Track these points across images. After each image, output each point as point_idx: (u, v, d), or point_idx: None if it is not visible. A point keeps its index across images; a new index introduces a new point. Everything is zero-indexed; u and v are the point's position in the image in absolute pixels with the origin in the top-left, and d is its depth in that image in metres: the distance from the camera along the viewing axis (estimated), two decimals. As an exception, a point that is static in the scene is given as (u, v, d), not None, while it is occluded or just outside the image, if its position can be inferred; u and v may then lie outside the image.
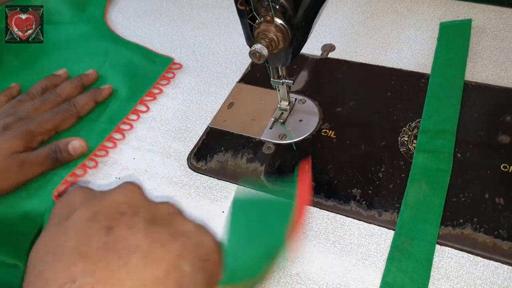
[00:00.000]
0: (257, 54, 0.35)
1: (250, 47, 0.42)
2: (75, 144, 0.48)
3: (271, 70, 0.46)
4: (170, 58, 0.60)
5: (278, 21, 0.36)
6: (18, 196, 0.47)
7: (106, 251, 0.26)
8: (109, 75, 0.60)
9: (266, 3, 0.36)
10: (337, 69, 0.55)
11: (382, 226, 0.41)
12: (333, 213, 0.43)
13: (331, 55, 0.57)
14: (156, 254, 0.26)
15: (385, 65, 0.54)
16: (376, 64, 0.55)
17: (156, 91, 0.57)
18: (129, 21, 0.68)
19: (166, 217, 0.30)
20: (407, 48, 0.56)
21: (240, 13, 0.38)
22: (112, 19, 0.68)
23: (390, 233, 0.40)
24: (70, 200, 0.30)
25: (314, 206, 0.43)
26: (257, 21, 0.36)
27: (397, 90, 0.51)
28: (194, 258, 0.28)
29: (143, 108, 0.55)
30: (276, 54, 0.38)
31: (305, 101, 0.52)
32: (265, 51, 0.35)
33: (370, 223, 0.42)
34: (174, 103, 0.56)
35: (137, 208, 0.29)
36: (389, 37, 0.58)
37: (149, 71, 0.59)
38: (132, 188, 0.31)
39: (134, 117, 0.54)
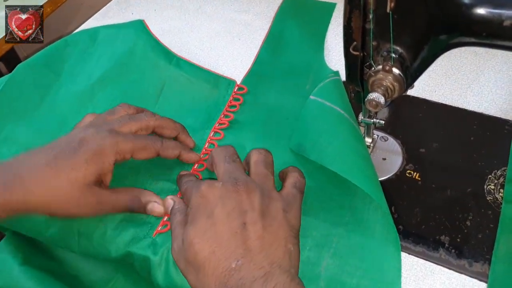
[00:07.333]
0: (374, 103, 0.35)
1: (349, 85, 0.43)
2: (155, 208, 0.45)
3: (363, 109, 0.47)
4: (233, 81, 0.59)
5: (396, 71, 0.36)
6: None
7: (246, 241, 0.36)
8: (169, 105, 0.57)
9: (385, 53, 0.36)
10: (417, 108, 0.55)
11: (473, 277, 0.41)
12: (423, 260, 0.43)
13: (410, 92, 0.56)
14: (274, 243, 0.36)
15: (465, 108, 0.54)
16: (457, 106, 0.55)
17: (227, 117, 0.56)
18: (202, 41, 0.68)
19: (266, 208, 0.38)
20: (487, 92, 0.56)
21: (351, 57, 0.38)
22: (184, 39, 0.69)
23: (482, 286, 0.40)
24: (205, 196, 0.39)
25: (403, 251, 0.43)
26: (373, 68, 0.37)
27: (480, 135, 0.51)
28: (291, 234, 0.38)
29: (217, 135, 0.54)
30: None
31: (387, 138, 0.52)
32: (382, 100, 0.36)
33: (461, 273, 0.41)
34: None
35: (252, 204, 0.38)
36: (468, 78, 0.58)
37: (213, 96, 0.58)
38: (240, 189, 0.39)
39: (211, 146, 0.53)
